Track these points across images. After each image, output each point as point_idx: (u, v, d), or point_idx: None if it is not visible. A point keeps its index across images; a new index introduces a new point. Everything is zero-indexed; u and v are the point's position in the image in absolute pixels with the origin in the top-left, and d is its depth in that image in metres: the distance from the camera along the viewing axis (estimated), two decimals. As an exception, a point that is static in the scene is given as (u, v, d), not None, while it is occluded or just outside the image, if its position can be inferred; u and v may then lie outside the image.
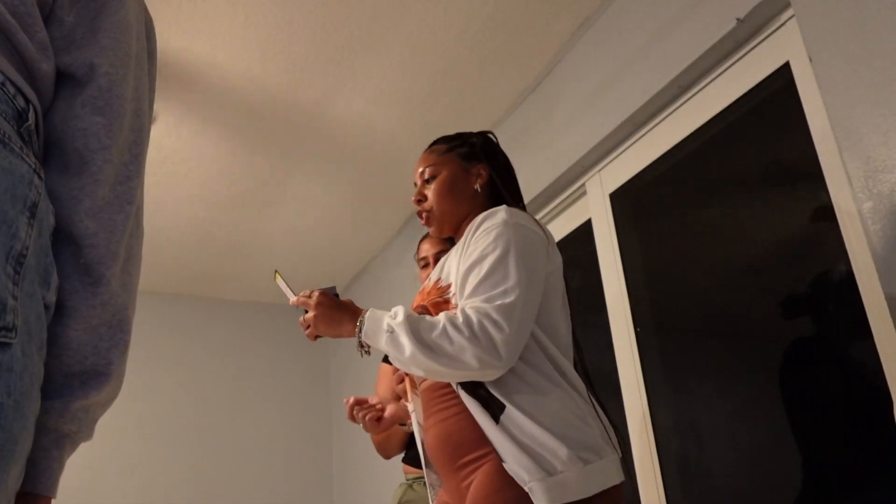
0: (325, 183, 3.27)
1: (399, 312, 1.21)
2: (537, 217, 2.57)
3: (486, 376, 1.19)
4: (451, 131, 1.58)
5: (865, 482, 1.52)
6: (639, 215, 2.24)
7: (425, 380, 1.33)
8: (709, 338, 2.00)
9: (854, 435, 1.56)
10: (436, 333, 1.17)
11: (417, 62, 2.51)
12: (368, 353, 1.28)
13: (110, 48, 0.72)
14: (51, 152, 0.70)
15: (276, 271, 1.50)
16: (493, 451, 1.18)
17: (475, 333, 1.15)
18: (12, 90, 0.64)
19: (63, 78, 0.71)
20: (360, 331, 1.25)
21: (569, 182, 2.47)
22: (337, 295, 1.34)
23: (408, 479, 2.03)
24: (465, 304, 1.21)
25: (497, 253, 1.23)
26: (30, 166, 0.62)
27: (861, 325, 1.47)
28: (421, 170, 1.48)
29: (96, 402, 0.70)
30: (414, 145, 2.88)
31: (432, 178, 1.46)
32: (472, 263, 1.25)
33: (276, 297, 4.34)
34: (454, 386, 1.26)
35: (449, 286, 1.32)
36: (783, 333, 1.75)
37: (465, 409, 1.22)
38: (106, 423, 0.78)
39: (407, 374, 1.43)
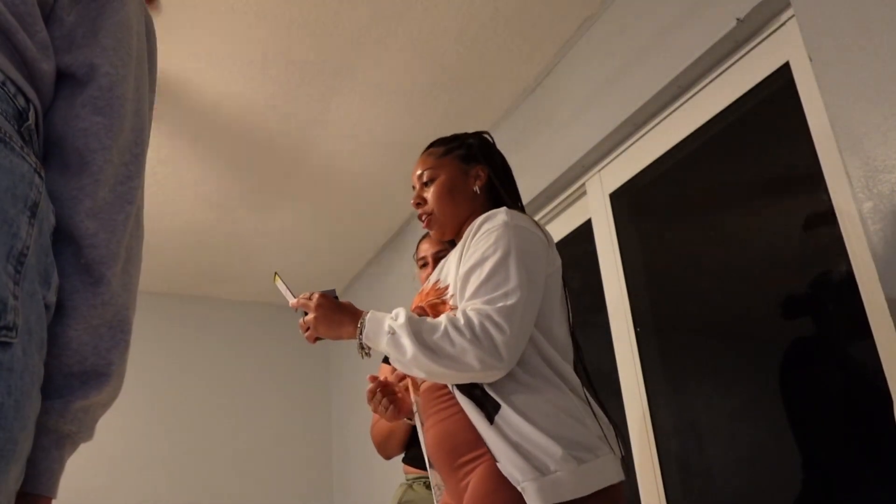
0: (325, 183, 3.27)
1: (400, 314, 1.21)
2: (537, 217, 2.58)
3: (487, 378, 1.19)
4: (452, 131, 1.59)
5: (865, 482, 1.52)
6: (639, 215, 2.24)
7: (425, 380, 1.33)
8: (709, 338, 2.00)
9: (854, 435, 1.56)
10: (437, 335, 1.17)
11: (417, 62, 2.51)
12: (369, 354, 1.28)
13: (111, 48, 0.72)
14: (51, 152, 0.70)
15: (275, 273, 1.50)
16: (489, 451, 1.18)
17: (477, 335, 1.15)
18: (13, 89, 0.64)
19: (63, 78, 0.71)
20: (361, 333, 1.25)
21: (569, 182, 2.47)
22: (337, 297, 1.34)
23: (408, 480, 2.02)
24: (467, 305, 1.22)
25: (498, 255, 1.23)
26: (30, 166, 0.62)
27: (861, 326, 1.47)
28: (419, 173, 1.49)
29: (96, 402, 0.70)
30: (413, 145, 2.87)
31: (431, 180, 1.46)
32: (472, 265, 1.25)
33: (276, 297, 4.33)
34: (450, 387, 1.26)
35: (447, 288, 1.32)
36: (783, 333, 1.75)
37: (462, 410, 1.23)
38: (106, 423, 0.78)
39: (408, 375, 1.43)
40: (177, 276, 4.14)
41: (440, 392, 1.29)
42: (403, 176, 3.16)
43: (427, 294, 1.37)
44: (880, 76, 1.42)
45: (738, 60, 1.87)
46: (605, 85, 2.25)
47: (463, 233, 1.39)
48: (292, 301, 1.35)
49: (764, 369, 1.78)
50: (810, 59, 1.58)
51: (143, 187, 0.76)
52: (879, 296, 1.41)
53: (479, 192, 1.45)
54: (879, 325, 1.44)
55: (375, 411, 1.54)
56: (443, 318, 1.20)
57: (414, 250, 2.03)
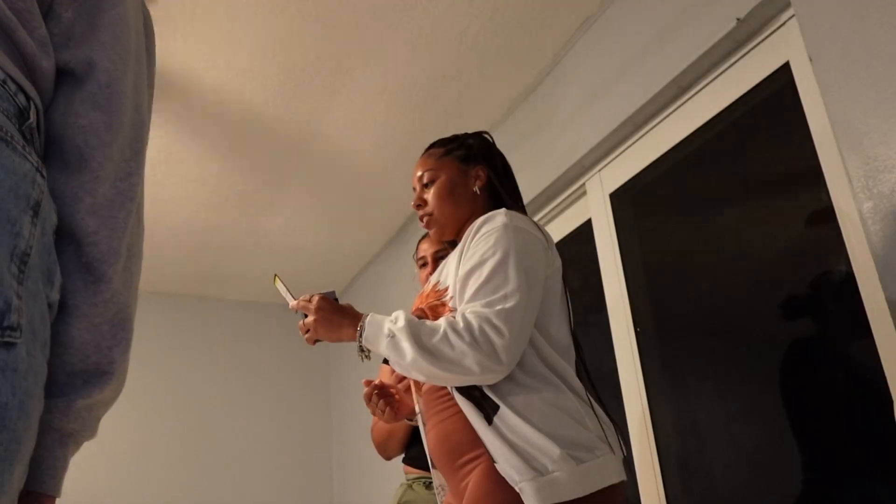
0: (325, 183, 3.27)
1: (400, 317, 1.22)
2: (537, 217, 2.58)
3: (486, 380, 1.19)
4: (452, 131, 1.58)
5: (865, 482, 1.52)
6: (639, 215, 2.24)
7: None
8: (709, 338, 2.00)
9: (854, 435, 1.56)
10: (437, 339, 1.17)
11: (418, 62, 2.51)
12: (369, 357, 1.28)
13: (109, 44, 0.72)
14: (51, 149, 0.70)
15: (275, 275, 1.50)
16: (487, 452, 1.18)
17: (476, 338, 1.16)
18: (13, 88, 0.64)
19: (62, 75, 0.71)
20: (361, 335, 1.25)
21: (569, 182, 2.47)
22: (337, 299, 1.34)
23: (408, 480, 2.02)
24: (466, 308, 1.22)
25: (497, 257, 1.23)
26: (32, 165, 0.62)
27: (861, 326, 1.47)
28: (419, 174, 1.49)
29: (99, 400, 0.70)
30: (413, 145, 2.88)
31: (431, 182, 1.46)
32: (471, 268, 1.25)
33: (276, 297, 4.32)
34: (449, 388, 1.26)
35: (446, 289, 1.32)
36: (783, 333, 1.75)
37: (462, 411, 1.23)
38: (106, 423, 0.78)
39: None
40: (177, 276, 4.14)
41: (441, 393, 1.30)
42: (403, 176, 3.16)
43: (427, 296, 1.37)
44: (880, 76, 1.42)
45: (738, 60, 1.87)
46: (605, 85, 2.25)
47: (463, 233, 1.39)
48: (292, 303, 1.35)
49: (764, 369, 1.78)
50: (810, 59, 1.58)
51: (143, 184, 0.75)
52: (879, 296, 1.41)
53: (479, 192, 1.45)
54: (879, 325, 1.44)
55: (374, 414, 1.54)
56: (442, 322, 1.20)
57: (414, 250, 2.03)
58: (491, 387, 1.20)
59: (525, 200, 1.62)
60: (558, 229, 2.54)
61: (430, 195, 1.46)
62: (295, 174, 3.18)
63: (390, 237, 3.84)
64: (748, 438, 1.84)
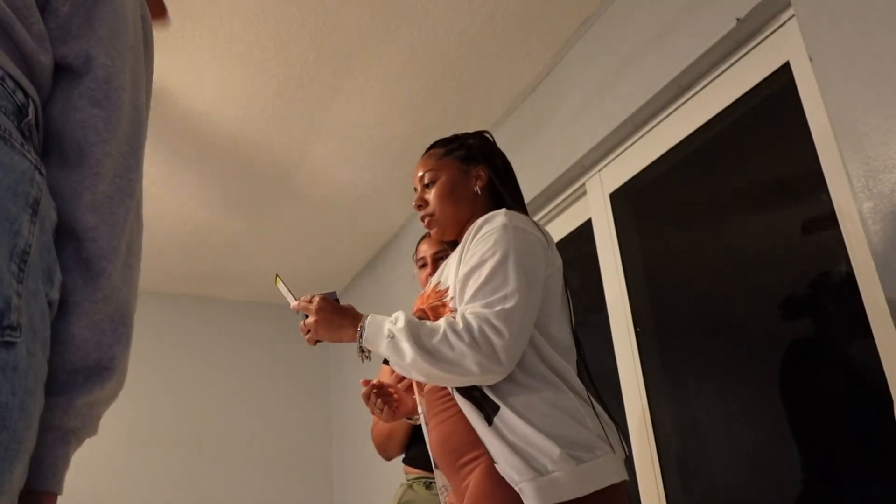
0: (326, 182, 3.27)
1: (400, 318, 1.22)
2: (537, 217, 2.58)
3: (486, 381, 1.20)
4: (452, 131, 1.58)
5: (865, 482, 1.52)
6: (639, 215, 2.24)
7: (428, 383, 1.34)
8: (709, 338, 2.00)
9: (854, 435, 1.56)
10: (436, 339, 1.17)
11: (417, 62, 2.51)
12: (369, 357, 1.28)
13: (107, 39, 0.71)
14: (49, 146, 0.69)
15: (276, 275, 1.50)
16: (486, 452, 1.18)
17: (475, 339, 1.16)
18: (12, 85, 0.63)
19: (60, 69, 0.70)
20: (361, 336, 1.25)
21: (569, 182, 2.47)
22: (337, 300, 1.34)
23: (408, 480, 2.02)
24: (465, 309, 1.22)
25: (496, 258, 1.23)
26: (31, 163, 0.62)
27: (861, 326, 1.47)
28: (420, 174, 1.49)
29: (100, 397, 0.69)
30: (413, 146, 2.88)
31: (432, 182, 1.46)
32: (471, 268, 1.25)
33: (276, 297, 4.32)
34: (450, 388, 1.26)
35: (447, 290, 1.32)
36: (783, 333, 1.75)
37: (463, 411, 1.23)
38: (106, 423, 0.78)
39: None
40: (177, 276, 4.14)
41: (442, 393, 1.30)
42: (403, 176, 3.16)
43: (428, 297, 1.37)
44: (880, 76, 1.42)
45: (738, 60, 1.87)
46: (605, 85, 2.25)
47: (464, 234, 1.39)
48: (293, 303, 1.35)
49: (764, 369, 1.78)
50: (810, 59, 1.58)
51: (141, 180, 0.75)
52: (879, 296, 1.41)
53: (480, 192, 1.45)
54: (879, 325, 1.44)
55: (373, 413, 1.55)
56: (442, 322, 1.20)
57: (413, 251, 2.03)
58: (491, 387, 1.20)
59: (525, 200, 1.62)
60: (558, 229, 2.54)
61: (430, 195, 1.46)
62: (294, 175, 3.18)
63: (390, 238, 3.84)
64: (748, 438, 1.84)
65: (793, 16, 1.69)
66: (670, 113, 2.08)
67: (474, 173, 1.46)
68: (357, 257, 4.09)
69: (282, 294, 1.44)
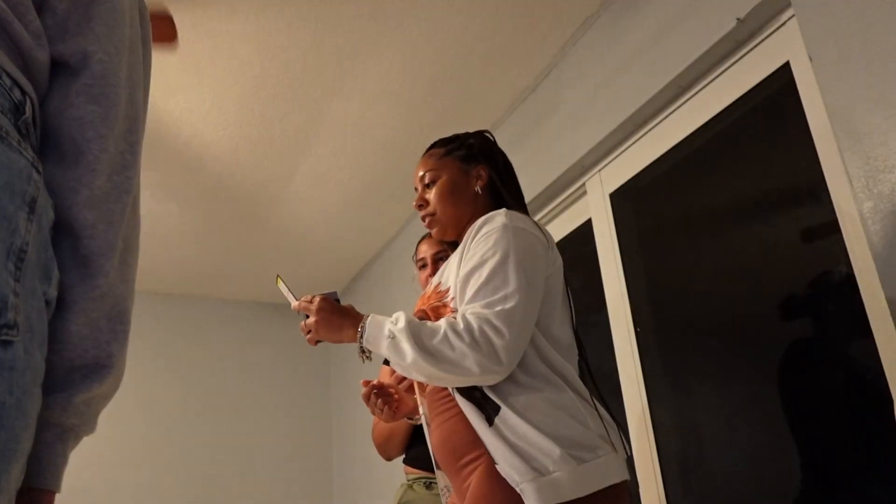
0: (326, 182, 3.27)
1: (400, 318, 1.22)
2: (537, 217, 2.58)
3: (487, 381, 1.20)
4: (452, 131, 1.58)
5: (865, 482, 1.52)
6: (639, 215, 2.24)
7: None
8: (709, 338, 2.00)
9: (854, 435, 1.56)
10: (437, 340, 1.17)
11: (417, 62, 2.51)
12: (370, 358, 1.28)
13: (104, 35, 0.71)
14: (46, 143, 0.69)
15: (277, 276, 1.50)
16: (487, 452, 1.18)
17: (476, 339, 1.16)
18: (9, 82, 0.63)
19: (57, 67, 0.70)
20: (362, 336, 1.25)
21: (569, 182, 2.47)
22: (338, 300, 1.34)
23: (408, 480, 2.02)
24: (466, 309, 1.22)
25: (497, 258, 1.23)
26: (28, 160, 0.62)
27: (861, 326, 1.47)
28: (420, 174, 1.49)
29: (98, 394, 0.69)
30: (414, 145, 2.88)
31: (432, 182, 1.46)
32: (471, 268, 1.25)
33: (276, 297, 4.34)
34: (450, 389, 1.26)
35: (448, 290, 1.32)
36: (783, 333, 1.75)
37: (463, 412, 1.23)
38: (106, 423, 0.78)
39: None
40: (177, 276, 4.14)
41: (444, 394, 1.30)
42: (403, 176, 3.16)
43: (429, 297, 1.37)
44: (880, 76, 1.42)
45: (738, 60, 1.87)
46: (606, 85, 2.25)
47: (465, 234, 1.39)
48: (294, 303, 1.35)
49: (764, 369, 1.78)
50: (810, 59, 1.58)
51: (139, 176, 0.75)
52: (879, 296, 1.41)
53: (480, 192, 1.45)
54: (879, 325, 1.44)
55: (373, 413, 1.55)
56: (442, 323, 1.20)
57: (413, 251, 2.03)
58: (492, 388, 1.20)
59: (526, 200, 1.62)
60: (558, 229, 2.54)
61: (431, 195, 1.46)
62: (294, 174, 3.18)
63: (390, 237, 3.84)
64: (748, 438, 1.84)
65: (793, 16, 1.69)
66: (670, 113, 2.08)
67: (475, 173, 1.46)
68: (357, 257, 4.09)
69: (282, 294, 1.44)
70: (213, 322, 4.41)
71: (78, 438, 0.70)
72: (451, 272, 1.34)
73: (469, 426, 1.22)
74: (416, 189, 1.51)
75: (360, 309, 1.32)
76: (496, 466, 1.16)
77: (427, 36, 2.40)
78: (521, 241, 1.27)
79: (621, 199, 2.27)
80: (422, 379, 1.23)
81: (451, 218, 1.44)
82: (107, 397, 0.71)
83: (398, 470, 2.12)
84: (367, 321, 1.26)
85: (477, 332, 1.16)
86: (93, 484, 3.68)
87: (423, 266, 1.94)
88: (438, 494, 1.57)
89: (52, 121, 0.69)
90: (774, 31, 1.77)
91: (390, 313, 1.26)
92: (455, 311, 1.27)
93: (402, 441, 2.01)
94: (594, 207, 2.36)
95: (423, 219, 1.48)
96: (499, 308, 1.18)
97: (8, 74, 0.63)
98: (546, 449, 1.12)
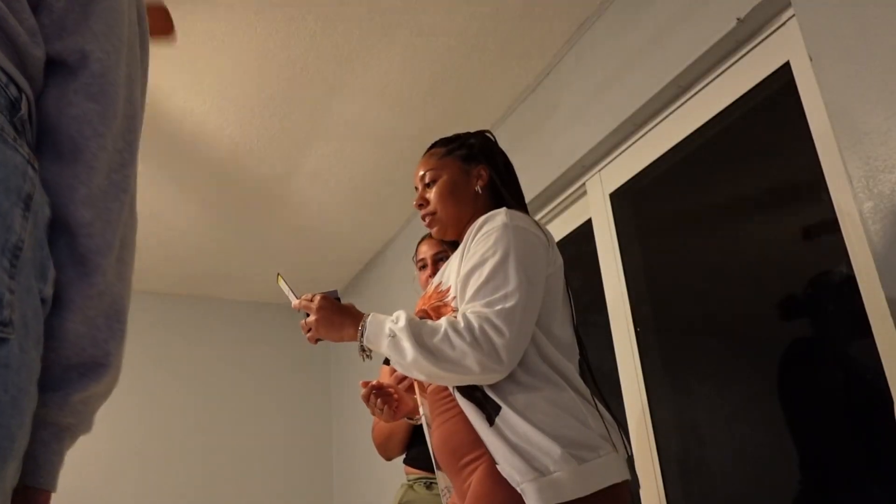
0: (326, 182, 3.27)
1: (401, 317, 1.22)
2: (537, 217, 2.58)
3: (487, 380, 1.19)
4: (452, 131, 1.58)
5: (865, 482, 1.52)
6: (639, 215, 2.24)
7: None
8: (709, 338, 2.00)
9: (854, 435, 1.56)
10: (437, 338, 1.17)
11: (417, 62, 2.51)
12: (370, 357, 1.28)
13: (102, 34, 0.71)
14: (44, 141, 0.69)
15: (278, 274, 1.50)
16: (488, 452, 1.18)
17: (476, 338, 1.16)
18: (4, 79, 0.63)
19: (55, 65, 0.70)
20: (362, 335, 1.25)
21: (569, 182, 2.47)
22: (339, 299, 1.34)
23: (409, 480, 2.02)
24: (466, 308, 1.22)
25: (497, 257, 1.23)
26: (23, 157, 0.61)
27: (861, 326, 1.47)
28: (421, 174, 1.49)
29: (95, 393, 0.69)
30: (414, 145, 2.88)
31: (433, 181, 1.46)
32: (472, 267, 1.25)
33: (277, 297, 4.35)
34: (451, 389, 1.26)
35: (448, 289, 1.32)
36: (783, 333, 1.75)
37: (464, 412, 1.23)
38: (106, 422, 0.78)
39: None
40: (177, 276, 4.14)
41: (444, 394, 1.30)
42: (403, 176, 3.16)
43: (430, 297, 1.37)
44: (880, 76, 1.42)
45: (738, 60, 1.87)
46: (605, 85, 2.25)
47: (465, 233, 1.39)
48: (294, 302, 1.35)
49: (764, 369, 1.78)
50: (810, 59, 1.58)
51: (136, 175, 0.74)
52: (879, 296, 1.41)
53: (480, 191, 1.45)
54: (879, 325, 1.43)
55: (373, 413, 1.55)
56: (443, 321, 1.20)
57: (413, 252, 2.03)
58: (493, 388, 1.20)
59: (526, 200, 1.62)
60: (558, 229, 2.54)
61: (431, 194, 1.46)
62: (294, 174, 3.18)
63: (390, 237, 3.84)
64: (748, 438, 1.84)
65: (793, 16, 1.69)
66: (670, 113, 2.08)
67: (475, 173, 1.46)
68: (357, 257, 4.09)
69: (283, 293, 1.44)
70: (213, 322, 4.41)
71: (74, 437, 0.69)
72: (451, 271, 1.34)
73: (470, 426, 1.22)
74: (416, 188, 1.51)
75: (360, 308, 1.32)
76: (497, 466, 1.16)
77: (427, 36, 2.40)
78: (522, 239, 1.27)
79: (621, 199, 2.27)
80: (422, 378, 1.23)
81: (451, 217, 1.44)
82: (104, 396, 0.71)
83: (398, 470, 2.12)
84: (368, 320, 1.26)
85: (477, 331, 1.16)
86: (92, 484, 3.68)
87: (424, 267, 1.94)
88: (439, 495, 1.57)
89: (49, 119, 0.69)
90: (774, 31, 1.77)
91: (391, 313, 1.26)
92: (456, 310, 1.27)
93: (402, 441, 2.01)
94: (594, 207, 2.36)
95: (424, 218, 1.48)
96: (499, 307, 1.18)
97: (3, 71, 0.63)
98: (547, 449, 1.12)
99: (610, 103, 2.22)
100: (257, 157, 3.03)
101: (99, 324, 0.68)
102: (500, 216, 1.30)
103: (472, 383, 1.22)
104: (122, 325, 0.71)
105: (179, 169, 3.07)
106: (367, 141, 2.96)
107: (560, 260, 1.36)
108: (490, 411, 1.19)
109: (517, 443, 1.14)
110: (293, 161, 3.07)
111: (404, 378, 1.57)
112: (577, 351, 1.33)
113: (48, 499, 0.67)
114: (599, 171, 2.35)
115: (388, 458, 2.09)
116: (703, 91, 1.97)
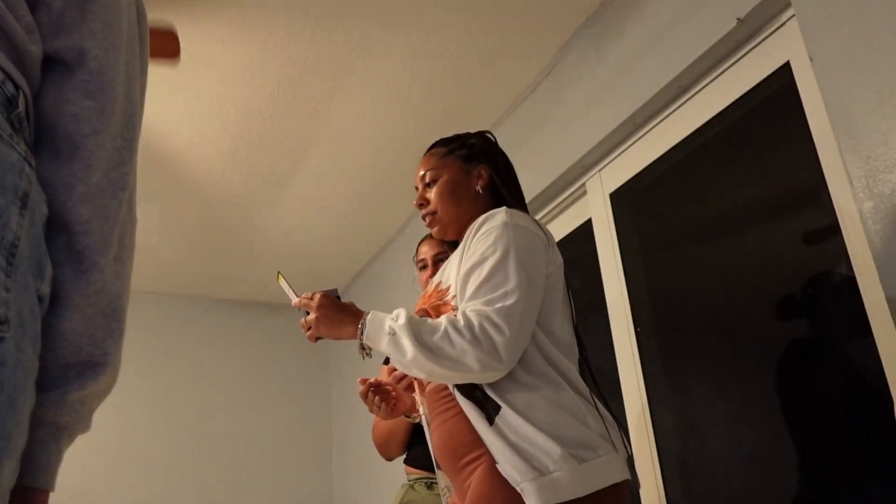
0: (326, 182, 3.27)
1: (401, 315, 1.22)
2: (537, 217, 2.58)
3: (487, 378, 1.19)
4: (452, 131, 1.58)
5: (865, 482, 1.52)
6: (639, 215, 2.24)
7: (430, 382, 1.33)
8: (709, 338, 2.00)
9: (854, 435, 1.56)
10: (437, 336, 1.17)
11: (418, 62, 2.51)
12: (370, 355, 1.28)
13: (100, 32, 0.71)
14: (41, 138, 0.69)
15: (278, 273, 1.50)
16: (488, 452, 1.18)
17: (476, 336, 1.16)
18: (1, 76, 0.63)
19: (53, 63, 0.70)
20: (362, 333, 1.25)
21: (569, 182, 2.47)
22: (339, 297, 1.34)
23: (409, 480, 2.02)
24: (466, 306, 1.22)
25: (497, 255, 1.23)
26: (20, 154, 0.61)
27: (861, 326, 1.47)
28: (421, 173, 1.49)
29: (93, 392, 0.69)
30: (414, 145, 2.87)
31: (433, 181, 1.46)
32: (472, 266, 1.25)
33: (277, 296, 4.34)
34: (451, 388, 1.26)
35: (448, 288, 1.32)
36: (783, 333, 1.75)
37: (464, 411, 1.23)
38: (107, 422, 0.78)
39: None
40: (177, 277, 4.14)
41: (444, 394, 1.30)
42: (403, 176, 3.16)
43: (430, 296, 1.37)
44: (881, 76, 1.42)
45: (738, 60, 1.87)
46: (606, 85, 2.25)
47: (465, 233, 1.39)
48: (294, 300, 1.35)
49: (764, 369, 1.78)
50: (810, 59, 1.58)
51: (135, 173, 0.74)
52: (879, 296, 1.41)
53: (481, 191, 1.45)
54: (879, 325, 1.43)
55: (371, 411, 1.55)
56: (443, 320, 1.20)
57: (414, 251, 2.03)
58: (492, 387, 1.20)
59: (526, 200, 1.62)
60: (558, 229, 2.54)
61: (432, 194, 1.46)
62: (294, 173, 3.18)
63: (390, 237, 3.84)
64: (748, 438, 1.84)
65: (793, 16, 1.69)
66: (670, 113, 2.07)
67: (476, 173, 1.46)
68: (358, 257, 4.09)
69: (283, 292, 1.44)
70: (213, 322, 4.41)
71: (72, 437, 0.69)
72: (451, 270, 1.34)
73: (469, 426, 1.21)
74: (416, 188, 1.51)
75: (360, 307, 1.32)
76: (497, 466, 1.16)
77: (427, 36, 2.40)
78: (522, 238, 1.27)
79: (621, 199, 2.27)
80: (422, 376, 1.23)
81: (451, 217, 1.44)
82: (102, 395, 0.71)
83: (398, 470, 2.12)
84: (368, 318, 1.26)
85: (477, 329, 1.16)
86: (92, 484, 3.68)
87: (424, 267, 1.94)
88: (439, 494, 1.57)
89: (47, 116, 0.69)
90: (774, 31, 1.77)
91: (391, 311, 1.26)
92: (456, 308, 1.27)
93: (402, 441, 2.01)
94: (594, 207, 2.36)
95: (424, 218, 1.48)
96: (499, 305, 1.18)
97: (1, 68, 0.63)
98: (547, 448, 1.12)
99: (610, 103, 2.22)
100: (258, 157, 3.03)
101: (97, 322, 0.68)
102: (500, 215, 1.30)
103: (471, 381, 1.21)
104: (121, 323, 0.71)
105: (180, 168, 3.07)
106: (366, 141, 2.96)
107: (560, 259, 1.36)
108: (490, 411, 1.18)
109: (517, 442, 1.14)
110: (293, 160, 3.07)
111: (403, 377, 1.57)
112: (577, 351, 1.33)
113: (46, 498, 0.66)
114: (599, 171, 2.35)
115: (389, 459, 2.09)
116: (703, 91, 1.97)
